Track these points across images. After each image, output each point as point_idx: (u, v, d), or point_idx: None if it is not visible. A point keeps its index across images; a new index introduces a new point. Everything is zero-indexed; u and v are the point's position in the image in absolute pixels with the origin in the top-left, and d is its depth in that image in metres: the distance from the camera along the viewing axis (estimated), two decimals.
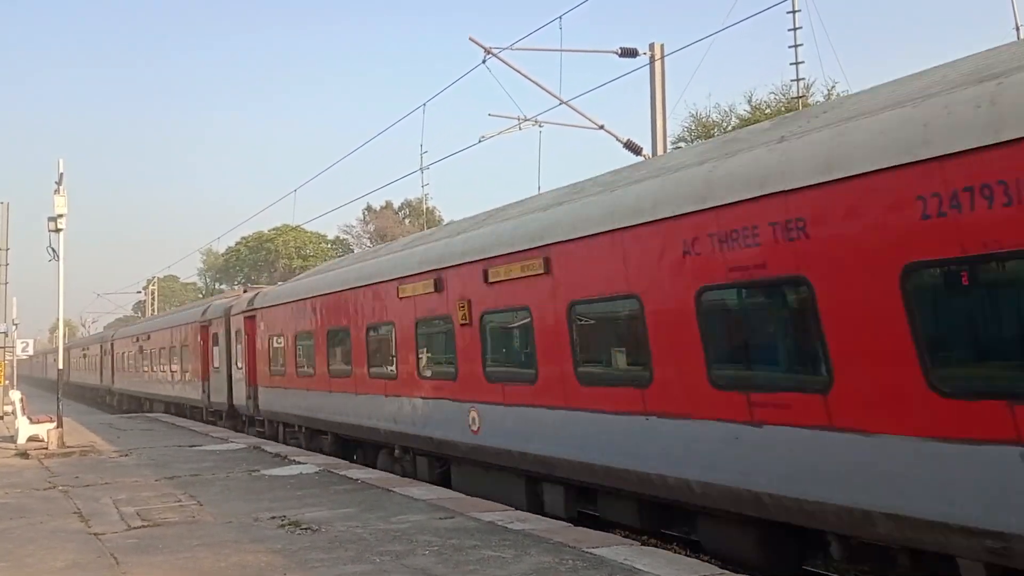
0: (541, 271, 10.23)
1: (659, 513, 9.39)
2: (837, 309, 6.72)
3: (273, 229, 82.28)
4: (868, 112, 6.90)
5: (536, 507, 10.86)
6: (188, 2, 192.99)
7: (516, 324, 11.18)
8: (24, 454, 18.12)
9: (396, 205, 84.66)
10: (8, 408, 25.49)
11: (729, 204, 7.62)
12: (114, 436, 22.21)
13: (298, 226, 66.68)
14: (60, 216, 20.09)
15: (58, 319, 25.30)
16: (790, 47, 30.18)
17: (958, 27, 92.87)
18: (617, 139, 19.70)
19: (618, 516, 9.93)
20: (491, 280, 11.27)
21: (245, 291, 27.60)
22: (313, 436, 18.74)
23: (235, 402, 24.61)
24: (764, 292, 7.68)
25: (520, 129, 20.73)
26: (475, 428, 11.69)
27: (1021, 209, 5.48)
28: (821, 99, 33.14)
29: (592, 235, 9.43)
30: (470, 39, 19.18)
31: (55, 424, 19.86)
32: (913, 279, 6.20)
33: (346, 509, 10.57)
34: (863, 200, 6.47)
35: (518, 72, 19.06)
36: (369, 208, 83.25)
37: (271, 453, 17.11)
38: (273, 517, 10.13)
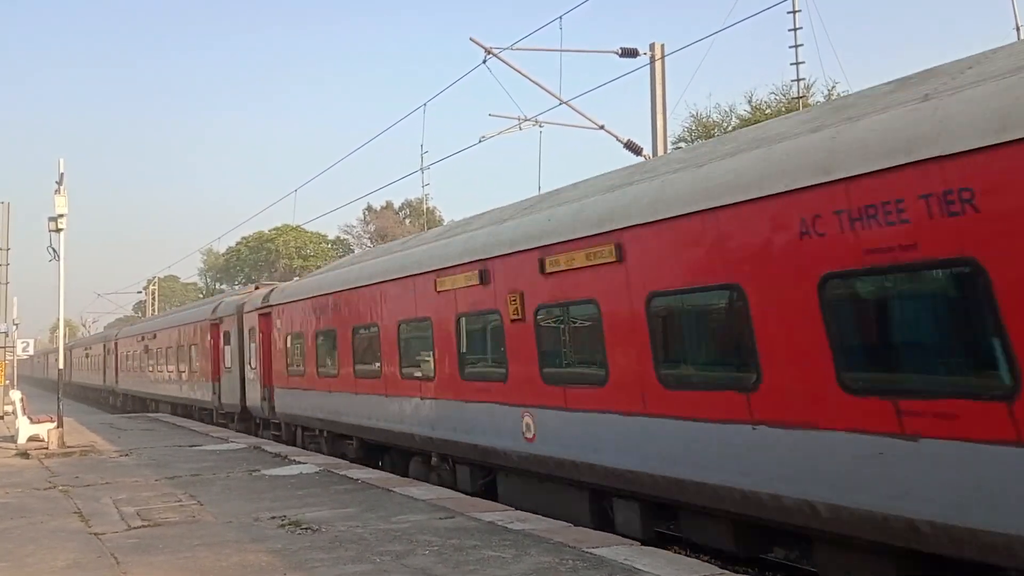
0: (612, 259, 9.08)
1: (759, 535, 8.15)
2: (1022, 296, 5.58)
3: (273, 229, 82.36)
4: None
5: (603, 523, 9.73)
6: (188, 2, 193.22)
7: (579, 319, 10.02)
8: (24, 454, 18.11)
9: (396, 205, 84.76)
10: (8, 408, 25.48)
11: (863, 175, 6.50)
12: (114, 436, 22.22)
13: (298, 226, 66.75)
14: (60, 216, 20.08)
15: (58, 319, 25.27)
16: (790, 47, 30.22)
17: (958, 27, 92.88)
18: (617, 139, 19.73)
19: (707, 538, 8.65)
20: (548, 270, 10.10)
21: (257, 288, 26.44)
22: (336, 441, 17.58)
23: (248, 404, 23.53)
24: (915, 278, 6.50)
25: (520, 129, 20.77)
26: (529, 435, 10.54)
27: None
28: (821, 99, 33.16)
29: (676, 217, 8.25)
30: (470, 39, 19.22)
31: (55, 424, 19.85)
32: None
33: (346, 509, 10.56)
34: None
35: (518, 72, 19.09)
36: (369, 208, 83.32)
37: (271, 453, 17.11)
38: (273, 517, 10.13)
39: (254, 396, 22.73)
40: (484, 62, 18.94)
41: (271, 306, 21.04)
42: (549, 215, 10.54)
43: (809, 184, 6.90)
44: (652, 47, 19.45)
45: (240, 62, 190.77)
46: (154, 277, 68.93)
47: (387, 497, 11.37)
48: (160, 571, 7.78)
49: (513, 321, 10.85)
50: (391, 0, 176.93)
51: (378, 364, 14.87)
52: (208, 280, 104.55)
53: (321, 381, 17.58)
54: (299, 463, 15.14)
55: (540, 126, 20.77)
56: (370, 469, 14.70)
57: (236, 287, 73.15)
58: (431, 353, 13.01)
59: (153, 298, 67.62)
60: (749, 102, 38.65)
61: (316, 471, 14.09)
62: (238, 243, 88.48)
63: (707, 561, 8.31)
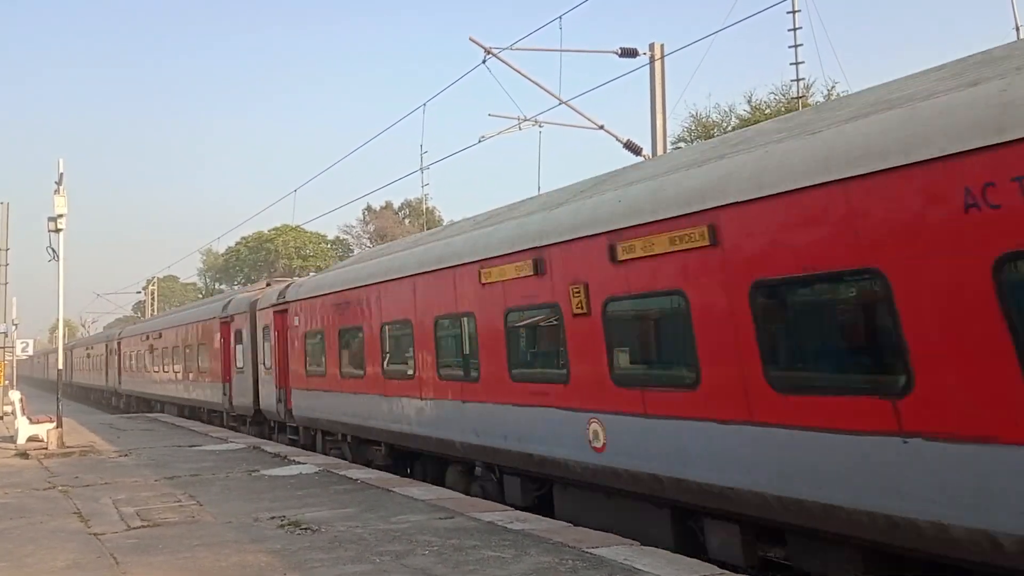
0: (704, 243, 7.86)
1: (898, 566, 6.94)
2: None
3: (273, 229, 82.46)
4: None
5: (689, 546, 8.50)
6: (188, 2, 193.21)
7: (661, 313, 8.89)
8: (24, 454, 18.11)
9: (396, 205, 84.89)
10: (8, 408, 25.48)
11: None
12: (114, 436, 22.21)
13: (298, 226, 66.81)
14: (60, 216, 20.10)
15: (58, 319, 25.26)
16: (790, 47, 30.34)
17: (958, 27, 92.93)
18: (617, 139, 19.73)
19: (827, 567, 7.39)
20: (621, 258, 8.86)
21: (268, 284, 24.98)
22: (361, 446, 16.34)
23: (262, 406, 22.17)
24: None
25: (520, 129, 20.76)
26: (598, 444, 9.32)
27: None
28: (821, 99, 33.19)
29: (788, 192, 7.09)
30: (470, 39, 19.21)
31: (55, 424, 19.86)
32: None
33: (346, 509, 10.55)
34: None
35: (518, 72, 19.08)
36: (369, 208, 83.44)
37: (271, 453, 17.10)
38: (273, 517, 10.12)
39: (268, 398, 21.49)
40: (484, 62, 18.94)
41: (288, 302, 19.70)
42: (619, 196, 9.28)
43: (976, 147, 5.80)
44: (652, 47, 19.45)
45: (240, 62, 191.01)
46: (153, 277, 68.91)
47: (387, 497, 11.36)
48: (159, 571, 7.78)
49: (576, 316, 9.62)
50: (391, 0, 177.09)
51: (412, 364, 13.63)
52: (207, 280, 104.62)
53: (345, 382, 16.31)
54: (298, 463, 15.13)
55: (540, 126, 20.79)
56: (369, 469, 14.60)
57: (235, 287, 73.23)
58: (474, 352, 11.83)
59: (152, 298, 67.60)
60: (749, 102, 38.78)
61: (315, 471, 14.08)
62: (237, 243, 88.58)
63: (707, 561, 8.29)
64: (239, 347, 23.93)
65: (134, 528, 9.81)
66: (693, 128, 39.77)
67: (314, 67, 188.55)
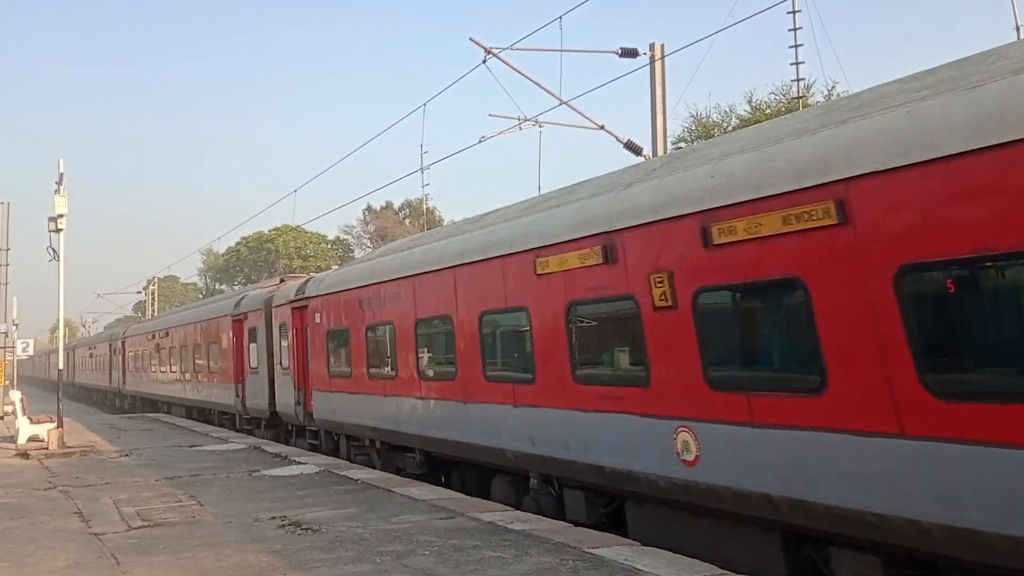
0: (828, 221, 6.72)
1: None
2: None
3: (273, 229, 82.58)
4: None
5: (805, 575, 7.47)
6: (188, 2, 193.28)
7: (772, 304, 7.71)
8: (24, 454, 18.11)
9: (396, 205, 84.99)
10: (8, 408, 25.49)
11: None
12: (114, 436, 22.21)
13: (298, 226, 66.86)
14: (60, 216, 20.09)
15: (58, 319, 25.26)
16: (790, 47, 30.31)
17: (958, 27, 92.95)
18: (617, 139, 19.73)
19: None
20: (718, 241, 7.72)
21: (282, 281, 23.85)
22: (392, 452, 15.10)
23: (278, 408, 21.01)
24: None
25: (520, 129, 20.77)
26: (689, 457, 8.12)
27: None
28: (821, 99, 33.21)
29: (953, 157, 5.91)
30: (470, 39, 19.21)
31: (55, 424, 19.86)
32: None
33: (347, 509, 10.56)
34: None
35: (518, 72, 19.08)
36: (369, 208, 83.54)
37: (271, 453, 17.11)
38: (274, 517, 10.13)
39: (286, 400, 20.26)
40: (484, 62, 18.94)
41: (308, 298, 18.43)
42: (711, 171, 8.09)
43: None
44: (652, 47, 19.45)
45: (240, 62, 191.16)
46: (154, 277, 68.96)
47: (387, 497, 11.37)
48: (160, 571, 7.78)
49: (658, 309, 8.47)
50: (391, 0, 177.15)
51: (453, 364, 12.45)
52: (208, 280, 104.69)
53: (374, 383, 15.01)
54: (299, 463, 15.13)
55: (540, 126, 20.79)
56: (369, 469, 14.54)
57: (236, 287, 73.26)
58: (529, 351, 10.71)
59: (153, 298, 67.62)
60: (749, 102, 38.80)
61: (316, 471, 14.08)
62: (238, 243, 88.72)
63: (707, 561, 8.29)
64: (253, 346, 22.86)
65: (135, 528, 9.81)
66: (693, 128, 39.81)
67: (314, 67, 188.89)
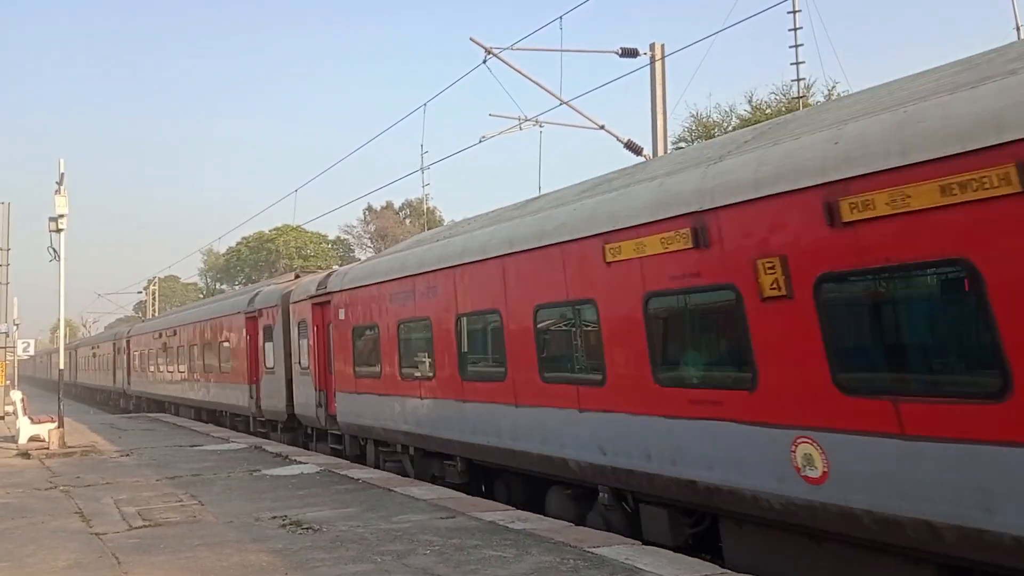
0: (1008, 189, 5.56)
1: None
2: None
3: (274, 229, 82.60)
4: None
5: None
6: (188, 2, 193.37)
7: (927, 292, 6.61)
8: (25, 454, 18.12)
9: (397, 205, 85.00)
10: (9, 408, 25.50)
11: None
12: (115, 436, 22.22)
13: (299, 226, 66.87)
14: (61, 216, 20.08)
15: (59, 319, 25.25)
16: (790, 47, 30.26)
17: (958, 27, 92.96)
18: (618, 139, 19.74)
19: None
20: (848, 219, 6.56)
21: (297, 276, 22.81)
22: (427, 459, 13.88)
23: (297, 411, 19.80)
24: None
25: (521, 129, 20.76)
26: (814, 474, 6.91)
27: None
28: (822, 99, 33.22)
29: None
30: (470, 39, 19.22)
31: (56, 424, 19.87)
32: None
33: (347, 509, 10.56)
34: None
35: (518, 72, 19.09)
36: (370, 208, 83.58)
37: (272, 453, 17.12)
38: (274, 517, 10.13)
39: (305, 401, 19.06)
40: (484, 62, 18.96)
41: (330, 293, 17.22)
42: (833, 135, 6.95)
43: None
44: (652, 47, 19.46)
45: (240, 62, 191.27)
46: (154, 277, 68.90)
47: (388, 497, 11.37)
48: (161, 571, 7.78)
49: (767, 300, 7.32)
50: (391, 0, 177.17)
51: (501, 363, 11.30)
52: (208, 280, 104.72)
53: (408, 384, 13.81)
54: (300, 463, 15.14)
55: (540, 126, 20.79)
56: (370, 469, 14.50)
57: (236, 287, 73.28)
58: (597, 349, 9.54)
59: (153, 298, 67.60)
60: (749, 102, 38.85)
61: (317, 471, 14.09)
62: (238, 243, 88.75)
63: (708, 561, 8.29)
64: (269, 344, 21.64)
65: (136, 528, 9.82)
66: (694, 128, 39.86)
67: (314, 67, 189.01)
